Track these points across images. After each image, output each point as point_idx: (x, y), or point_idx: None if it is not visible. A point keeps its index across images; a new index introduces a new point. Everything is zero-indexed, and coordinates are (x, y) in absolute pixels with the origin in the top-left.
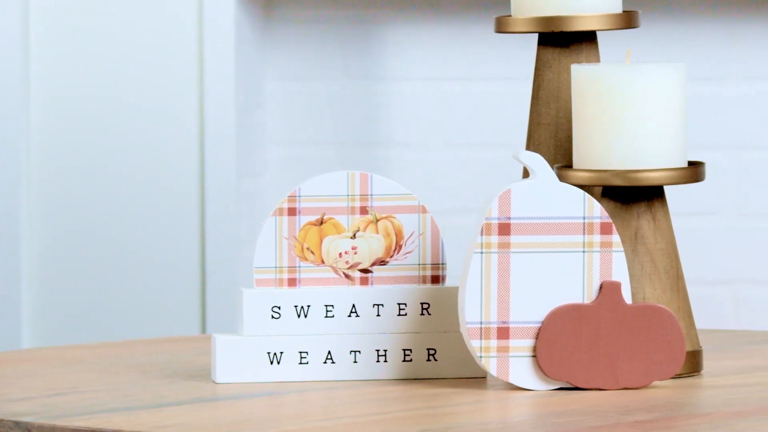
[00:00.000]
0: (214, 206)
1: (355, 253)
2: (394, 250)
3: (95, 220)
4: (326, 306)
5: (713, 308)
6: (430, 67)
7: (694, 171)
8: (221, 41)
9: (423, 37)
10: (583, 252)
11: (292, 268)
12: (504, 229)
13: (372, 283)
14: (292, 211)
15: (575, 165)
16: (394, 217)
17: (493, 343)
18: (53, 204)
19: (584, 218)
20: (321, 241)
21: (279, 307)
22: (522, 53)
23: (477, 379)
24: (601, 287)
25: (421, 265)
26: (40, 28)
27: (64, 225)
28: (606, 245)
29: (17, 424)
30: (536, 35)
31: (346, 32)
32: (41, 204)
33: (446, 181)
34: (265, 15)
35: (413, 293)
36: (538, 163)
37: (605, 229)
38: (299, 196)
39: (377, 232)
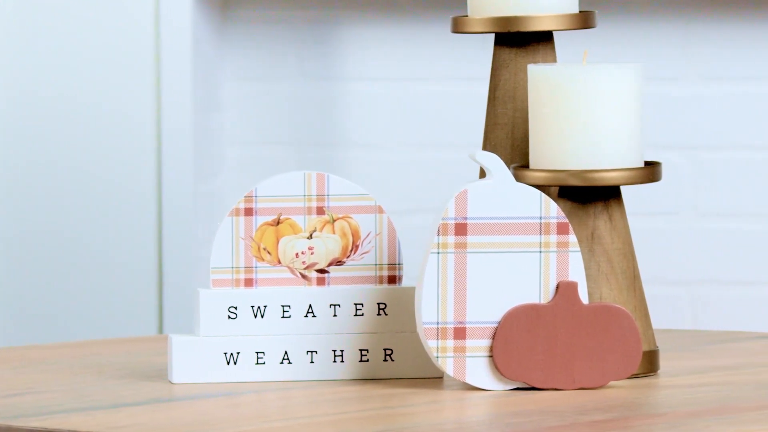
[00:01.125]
0: (171, 206)
1: (312, 254)
2: (351, 251)
3: (51, 221)
4: (283, 306)
5: (670, 308)
6: (387, 68)
7: (650, 171)
8: (178, 41)
9: (380, 37)
10: (540, 252)
11: (248, 269)
12: (460, 229)
13: (329, 284)
14: (248, 212)
15: (532, 165)
16: (351, 218)
17: (450, 343)
18: (8, 204)
19: (541, 218)
20: (277, 242)
21: (235, 308)
22: (479, 53)
23: (434, 379)
24: (557, 287)
25: (377, 266)
26: None
27: (20, 225)
28: (562, 245)
29: None
30: (493, 35)
31: (304, 32)
32: None
33: (403, 181)
34: (222, 15)
35: (370, 293)
36: (494, 163)
37: (562, 229)
38: (256, 197)
39: (334, 233)
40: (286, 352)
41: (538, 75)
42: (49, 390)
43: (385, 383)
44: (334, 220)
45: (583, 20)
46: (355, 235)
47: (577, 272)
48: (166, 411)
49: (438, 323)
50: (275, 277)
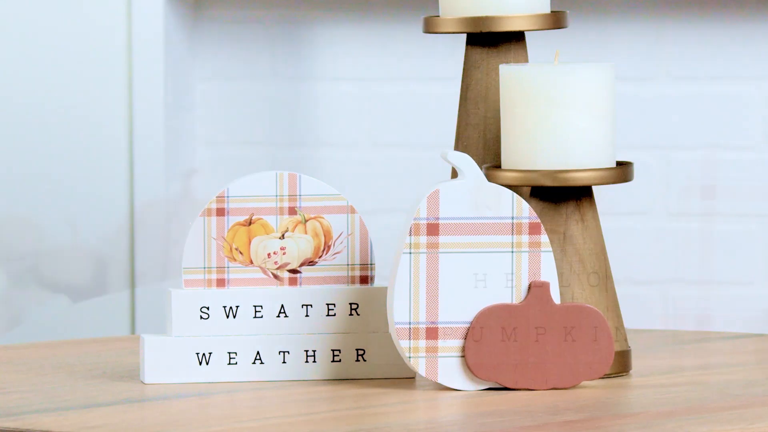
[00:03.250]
0: (143, 206)
1: (284, 254)
2: (323, 251)
3: (22, 220)
4: (255, 306)
5: (642, 308)
6: (359, 68)
7: (622, 171)
8: (150, 41)
9: (352, 37)
10: (512, 252)
11: (220, 269)
12: (432, 229)
13: (301, 284)
14: (220, 212)
15: (504, 165)
16: (323, 218)
17: (422, 343)
18: None
19: (513, 218)
20: (249, 242)
21: (207, 308)
22: (450, 53)
23: (406, 379)
24: (529, 287)
25: (349, 266)
26: None
27: None
28: (534, 245)
29: None
30: (464, 35)
31: (275, 32)
32: None
33: (375, 181)
34: (194, 15)
35: (342, 293)
36: (466, 163)
37: (534, 230)
38: (228, 197)
39: (306, 233)
40: (258, 353)
41: (510, 75)
42: (20, 390)
43: (357, 383)
44: (306, 220)
45: (555, 20)
46: (327, 235)
47: (549, 272)
48: (138, 411)
49: (410, 323)
50: (247, 278)
